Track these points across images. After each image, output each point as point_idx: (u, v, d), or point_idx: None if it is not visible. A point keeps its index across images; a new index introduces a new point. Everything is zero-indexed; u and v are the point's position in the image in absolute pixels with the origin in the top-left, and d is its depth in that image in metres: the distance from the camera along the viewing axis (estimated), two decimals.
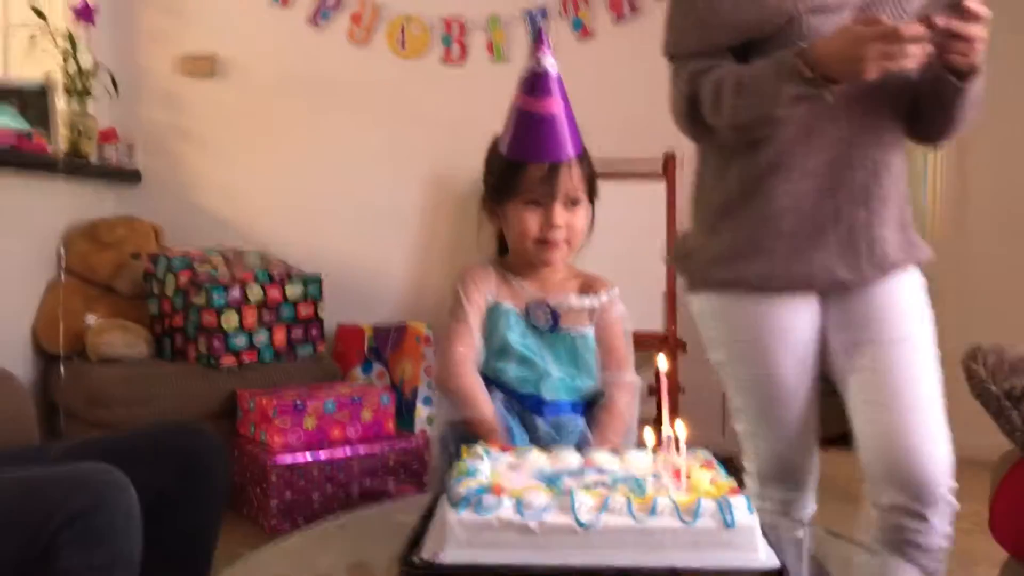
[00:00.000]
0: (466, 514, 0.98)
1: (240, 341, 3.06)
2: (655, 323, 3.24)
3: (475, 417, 1.47)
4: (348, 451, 2.89)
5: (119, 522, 1.19)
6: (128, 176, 3.55)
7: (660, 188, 3.30)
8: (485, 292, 1.55)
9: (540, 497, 0.99)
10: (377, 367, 3.56)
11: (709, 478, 1.07)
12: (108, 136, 3.43)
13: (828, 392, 4.71)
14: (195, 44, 3.66)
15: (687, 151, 3.36)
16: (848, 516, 1.60)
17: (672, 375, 3.17)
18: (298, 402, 2.86)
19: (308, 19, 3.65)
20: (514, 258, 1.61)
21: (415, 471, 3.00)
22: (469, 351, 1.51)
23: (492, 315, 1.54)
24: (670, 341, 3.20)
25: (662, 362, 1.10)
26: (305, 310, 3.27)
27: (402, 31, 3.65)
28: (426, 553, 1.00)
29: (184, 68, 3.64)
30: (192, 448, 1.48)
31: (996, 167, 3.72)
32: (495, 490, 1.00)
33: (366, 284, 3.73)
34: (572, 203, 1.54)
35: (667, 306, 3.23)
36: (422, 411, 3.47)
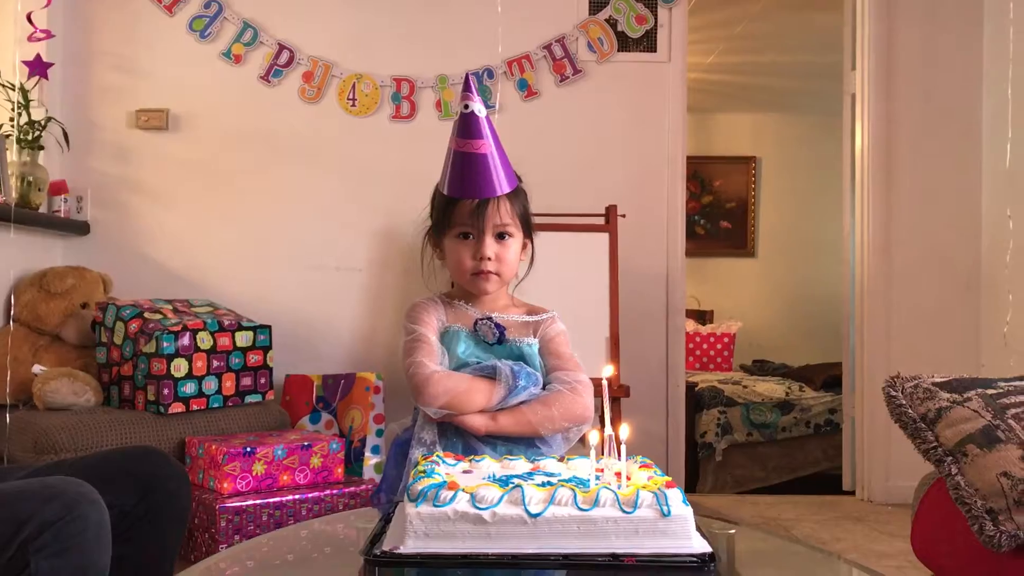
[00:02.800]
0: (424, 507, 1.05)
1: (189, 388, 3.08)
2: (598, 369, 3.33)
3: (476, 407, 1.52)
4: (297, 497, 2.91)
5: (90, 532, 1.23)
6: (77, 227, 3.58)
7: (603, 238, 3.43)
8: (435, 318, 1.64)
9: (492, 492, 1.07)
10: (325, 416, 3.59)
11: (647, 476, 1.16)
12: (58, 188, 3.47)
13: (769, 440, 4.82)
14: (148, 99, 3.73)
15: (632, 203, 3.57)
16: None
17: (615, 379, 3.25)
18: (247, 448, 2.88)
19: (260, 76, 3.76)
20: (458, 289, 1.72)
21: None
22: (435, 363, 1.56)
23: (444, 339, 1.62)
24: (612, 386, 3.29)
25: (607, 370, 1.19)
26: (254, 358, 3.30)
27: (353, 89, 3.77)
28: (387, 546, 1.06)
29: (137, 122, 3.71)
30: (156, 472, 1.52)
31: (919, 204, 3.94)
32: (451, 486, 1.08)
33: (315, 335, 3.78)
34: (502, 236, 1.63)
35: (611, 351, 3.34)
36: (370, 459, 3.50)
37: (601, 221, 3.52)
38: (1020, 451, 1.58)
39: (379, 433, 3.53)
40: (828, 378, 5.17)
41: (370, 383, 3.56)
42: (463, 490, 1.07)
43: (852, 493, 4.12)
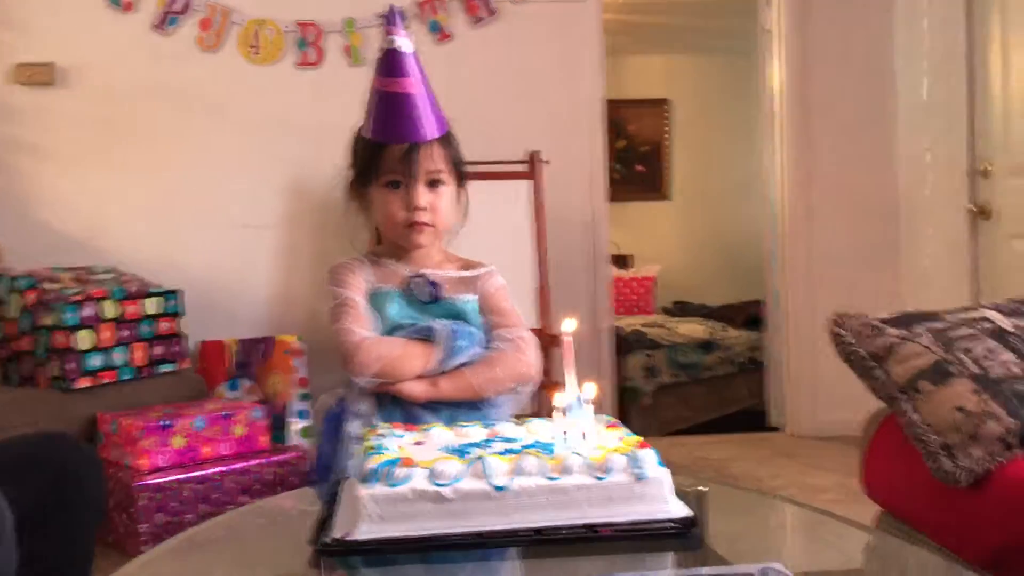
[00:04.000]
0: (378, 488, 0.95)
1: (96, 361, 2.89)
2: (528, 320, 3.25)
3: (413, 373, 1.41)
4: (222, 469, 2.77)
5: None
6: None
7: (526, 186, 3.33)
8: (362, 279, 1.51)
9: (452, 465, 0.97)
10: (244, 382, 3.44)
11: (617, 436, 1.08)
12: None
13: (695, 380, 4.84)
14: (30, 53, 3.45)
15: (551, 149, 3.47)
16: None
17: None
18: (165, 421, 2.72)
19: (153, 25, 3.51)
20: (386, 245, 1.58)
21: (294, 485, 2.90)
22: (365, 328, 1.44)
23: (374, 301, 1.49)
24: (543, 337, 3.22)
25: (568, 324, 1.10)
26: (165, 326, 3.12)
27: (255, 36, 3.55)
28: (337, 533, 0.96)
29: (19, 77, 3.43)
30: (61, 459, 1.37)
31: (837, 140, 3.94)
32: (405, 462, 0.97)
33: (228, 297, 3.59)
34: (434, 184, 1.50)
35: (539, 302, 3.26)
36: (296, 424, 3.37)
37: (523, 168, 3.41)
38: (972, 385, 1.56)
39: (304, 397, 3.39)
40: (748, 317, 5.22)
41: (290, 346, 3.41)
42: (419, 466, 0.97)
43: (778, 429, 4.16)
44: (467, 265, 1.59)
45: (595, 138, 3.77)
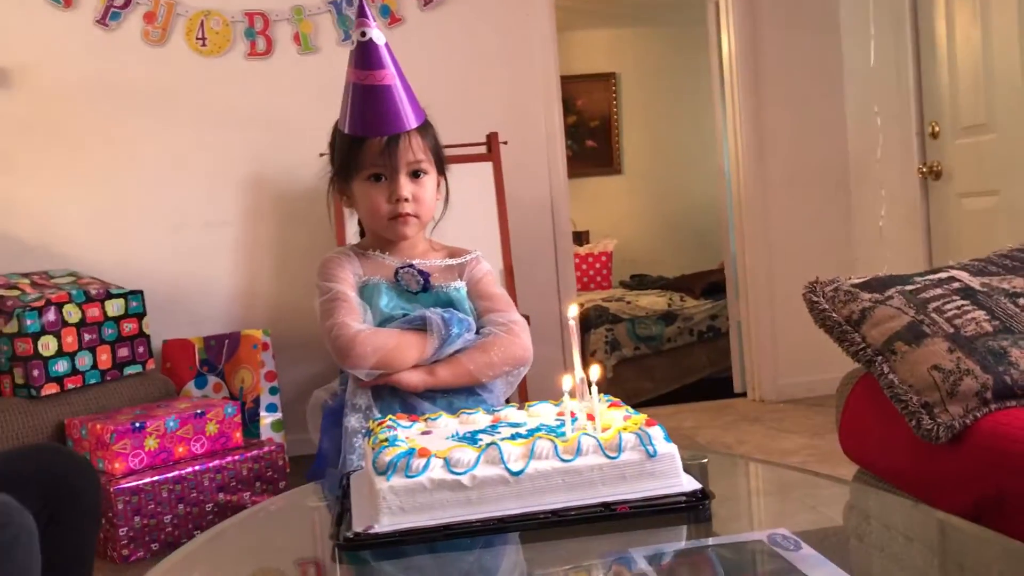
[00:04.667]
0: (396, 480, 0.96)
1: (61, 367, 2.84)
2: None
3: (410, 362, 1.42)
4: (197, 467, 2.75)
5: (23, 539, 1.09)
6: None
7: (487, 167, 3.33)
8: (351, 272, 1.50)
9: (468, 453, 0.98)
10: (212, 379, 3.40)
11: (621, 415, 1.10)
12: None
13: (656, 352, 4.86)
14: None
15: (505, 129, 3.47)
16: None
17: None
18: (136, 423, 2.68)
19: (96, 20, 3.43)
20: (372, 238, 1.58)
21: (271, 479, 2.89)
22: (358, 321, 1.44)
23: (364, 294, 1.49)
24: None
25: (572, 309, 1.11)
26: (129, 327, 3.08)
27: (201, 27, 3.49)
28: (359, 527, 0.97)
29: None
30: (55, 471, 1.36)
31: (788, 108, 4.00)
32: (421, 453, 0.98)
33: (190, 296, 3.55)
34: (416, 174, 1.51)
35: (506, 282, 3.27)
36: (266, 418, 3.35)
37: (482, 150, 3.41)
38: (947, 343, 1.61)
39: (273, 391, 3.37)
40: (707, 286, 5.28)
41: (257, 340, 3.39)
42: (435, 455, 0.98)
43: (743, 395, 4.24)
44: (452, 252, 1.60)
45: (552, 116, 3.78)
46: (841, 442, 1.94)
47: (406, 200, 1.48)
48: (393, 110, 1.46)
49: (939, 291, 1.74)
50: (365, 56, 1.45)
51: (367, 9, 1.48)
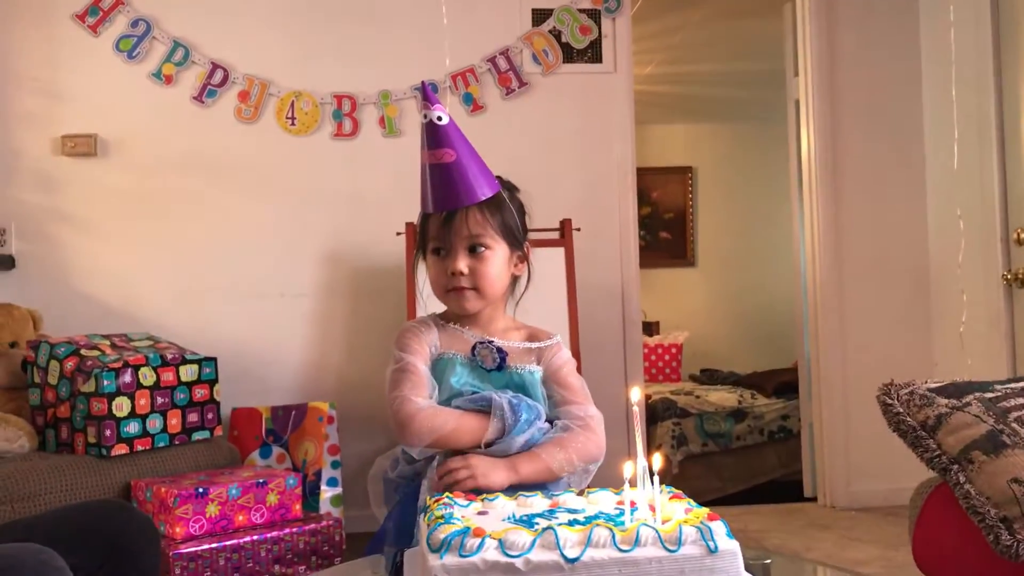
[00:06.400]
0: (449, 558, 0.94)
1: (132, 428, 2.90)
2: None
3: (466, 446, 1.42)
4: (255, 537, 2.75)
5: None
6: (1, 262, 3.36)
7: (559, 253, 3.35)
8: (427, 344, 1.51)
9: (523, 536, 0.97)
10: (276, 450, 3.43)
11: (683, 508, 1.07)
12: None
13: (724, 450, 4.76)
14: (74, 124, 3.54)
15: (579, 215, 3.50)
16: None
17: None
18: (200, 488, 2.71)
19: (193, 97, 3.60)
20: (449, 312, 1.60)
21: (327, 554, 2.88)
22: (423, 397, 1.44)
23: (438, 367, 1.49)
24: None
25: (635, 394, 1.10)
26: (200, 393, 3.13)
27: (292, 107, 3.63)
28: None
29: (63, 149, 3.51)
30: (118, 528, 1.37)
31: (867, 207, 3.95)
32: (476, 533, 0.97)
33: (261, 365, 3.61)
34: (474, 248, 1.51)
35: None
36: (326, 492, 3.35)
37: (555, 235, 3.44)
38: None
39: (335, 465, 3.38)
40: (779, 385, 5.17)
41: (323, 413, 3.42)
42: (490, 536, 0.96)
43: (813, 499, 4.10)
44: (533, 333, 1.58)
45: (626, 206, 3.81)
46: (915, 554, 1.85)
47: (461, 274, 1.49)
48: (451, 186, 1.48)
49: (1021, 400, 1.67)
50: (429, 136, 1.49)
51: (429, 91, 1.53)
